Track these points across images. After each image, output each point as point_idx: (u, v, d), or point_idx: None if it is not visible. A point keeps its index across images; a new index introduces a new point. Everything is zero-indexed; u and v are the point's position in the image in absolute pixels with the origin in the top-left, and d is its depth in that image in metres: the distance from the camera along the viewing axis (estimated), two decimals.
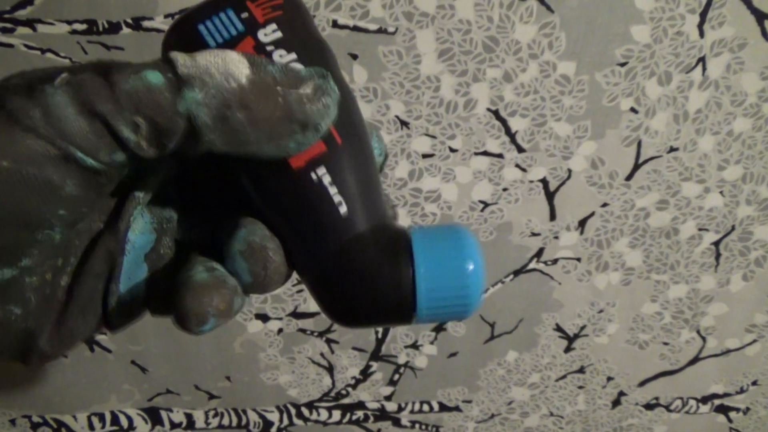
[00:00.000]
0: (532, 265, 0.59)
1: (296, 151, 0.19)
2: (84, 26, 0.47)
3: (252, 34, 0.20)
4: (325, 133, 0.19)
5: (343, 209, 0.20)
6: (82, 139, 0.16)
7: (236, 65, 0.17)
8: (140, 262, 0.21)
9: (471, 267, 0.20)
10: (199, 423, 0.69)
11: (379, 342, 0.64)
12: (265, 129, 0.18)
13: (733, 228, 0.58)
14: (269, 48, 0.20)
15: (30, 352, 0.19)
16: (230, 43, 0.20)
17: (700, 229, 0.58)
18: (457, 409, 0.69)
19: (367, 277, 0.20)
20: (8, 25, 0.47)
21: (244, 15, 0.20)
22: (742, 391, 0.69)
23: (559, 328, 0.63)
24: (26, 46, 0.48)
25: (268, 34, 0.20)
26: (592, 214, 0.56)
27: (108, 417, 0.68)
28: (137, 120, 0.17)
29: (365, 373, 0.66)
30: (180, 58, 0.18)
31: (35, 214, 0.17)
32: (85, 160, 0.17)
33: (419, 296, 0.19)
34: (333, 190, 0.20)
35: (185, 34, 0.21)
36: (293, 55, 0.20)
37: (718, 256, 0.59)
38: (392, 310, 0.20)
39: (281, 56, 0.20)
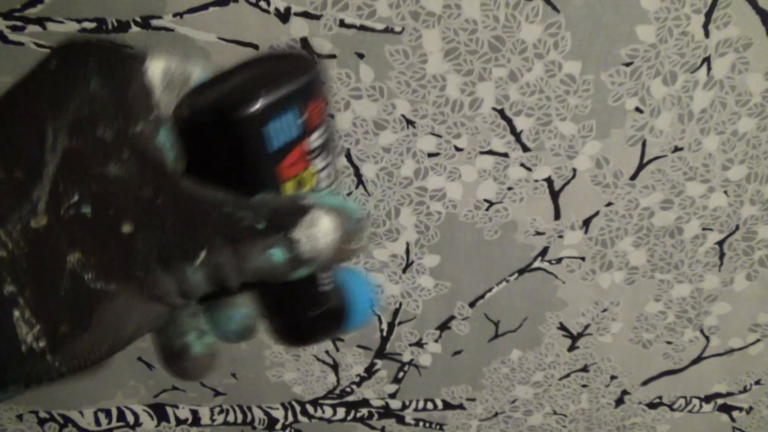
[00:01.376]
0: (536, 264, 0.60)
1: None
2: (93, 25, 0.47)
3: (304, 140, 0.21)
4: None
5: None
6: (198, 294, 0.19)
7: (332, 236, 0.19)
8: None
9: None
10: (205, 419, 0.70)
11: (384, 340, 0.64)
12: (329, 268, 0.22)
13: (737, 227, 0.58)
14: (313, 155, 0.21)
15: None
16: (286, 149, 0.20)
17: (704, 229, 0.58)
18: (461, 407, 0.69)
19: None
20: (19, 24, 0.47)
21: (302, 119, 0.20)
22: (745, 390, 0.69)
23: (563, 327, 0.64)
24: (36, 44, 0.48)
25: (315, 140, 0.21)
26: (597, 213, 0.57)
27: (114, 413, 0.69)
28: (248, 281, 0.19)
29: (370, 370, 0.66)
30: (304, 242, 0.19)
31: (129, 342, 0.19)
32: (179, 304, 0.19)
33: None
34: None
35: (248, 133, 0.20)
36: (328, 160, 0.22)
37: (722, 255, 0.59)
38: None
39: (320, 162, 0.21)
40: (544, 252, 0.59)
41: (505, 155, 0.53)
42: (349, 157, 0.53)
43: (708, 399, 0.70)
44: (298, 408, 0.69)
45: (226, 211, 0.18)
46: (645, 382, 0.68)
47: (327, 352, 0.64)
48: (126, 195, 0.18)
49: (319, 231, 0.19)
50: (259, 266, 0.18)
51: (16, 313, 0.16)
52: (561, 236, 0.58)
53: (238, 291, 0.20)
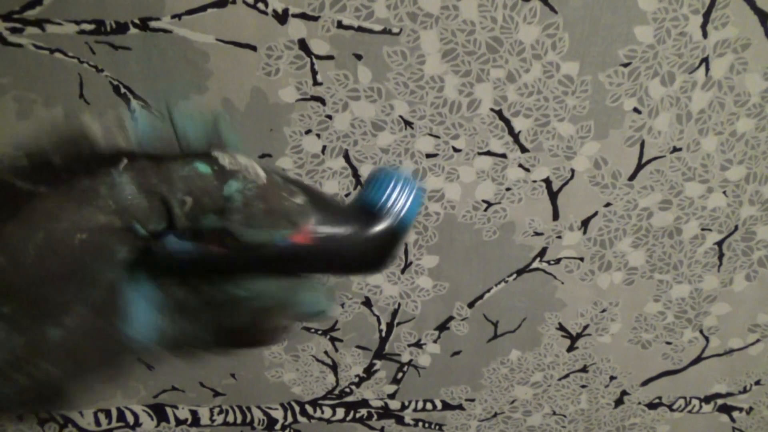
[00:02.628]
0: (535, 265, 0.60)
1: (279, 242, 0.24)
2: (92, 26, 0.48)
3: None
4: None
5: None
6: (140, 212, 0.20)
7: (259, 169, 0.23)
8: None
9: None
10: (204, 420, 0.70)
11: (383, 340, 0.64)
12: (272, 220, 0.23)
13: (736, 228, 0.58)
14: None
15: (54, 405, 0.23)
16: None
17: (703, 229, 0.58)
18: (460, 407, 0.69)
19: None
20: (18, 25, 0.47)
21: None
22: (745, 390, 0.69)
23: (562, 328, 0.64)
24: (35, 45, 0.48)
25: None
26: (595, 213, 0.57)
27: (114, 413, 0.69)
28: (186, 198, 0.21)
29: (369, 371, 0.66)
30: (222, 156, 0.22)
31: (90, 275, 0.20)
32: (140, 230, 0.21)
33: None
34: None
35: None
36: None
37: (721, 256, 0.59)
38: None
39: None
40: (542, 252, 0.59)
41: (504, 156, 0.53)
42: (347, 158, 0.53)
43: (708, 399, 0.70)
44: (297, 408, 0.69)
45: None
46: (644, 383, 0.68)
47: (326, 352, 0.65)
48: (75, 158, 0.21)
49: (239, 156, 0.23)
50: (186, 175, 0.21)
51: None
52: (560, 237, 0.58)
53: (190, 228, 0.22)
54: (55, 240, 0.19)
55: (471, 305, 0.62)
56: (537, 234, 0.58)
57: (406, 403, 0.69)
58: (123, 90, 0.50)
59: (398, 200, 0.26)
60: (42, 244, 0.19)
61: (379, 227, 0.25)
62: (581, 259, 0.59)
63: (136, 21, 0.47)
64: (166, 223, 0.21)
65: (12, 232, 0.19)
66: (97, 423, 0.69)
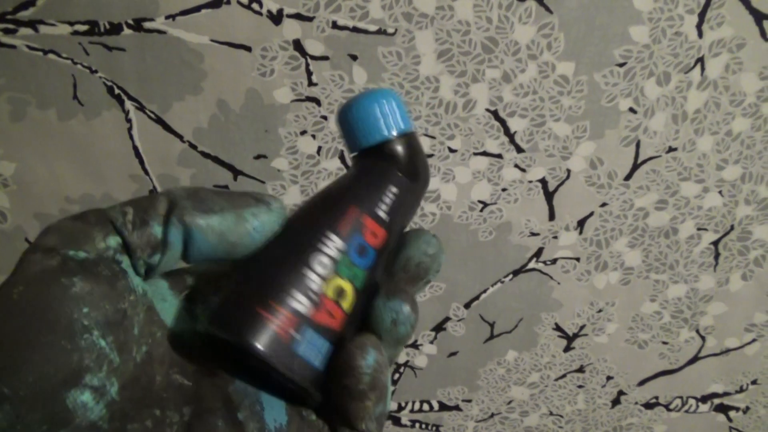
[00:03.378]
0: (531, 265, 0.59)
1: (253, 227, 0.22)
2: (86, 27, 0.47)
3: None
4: None
5: None
6: (76, 237, 0.19)
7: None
8: None
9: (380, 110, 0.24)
10: None
11: None
12: (227, 198, 0.22)
13: (732, 227, 0.58)
14: None
15: None
16: None
17: (699, 229, 0.58)
18: (457, 408, 0.69)
19: None
20: (10, 26, 0.47)
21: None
22: (741, 390, 0.69)
23: (558, 328, 0.64)
24: (28, 47, 0.48)
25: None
26: (591, 214, 0.57)
27: None
28: (126, 209, 0.20)
29: None
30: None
31: (64, 319, 0.19)
32: (77, 254, 0.19)
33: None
34: None
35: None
36: None
37: (717, 255, 0.59)
38: None
39: None
40: (538, 253, 0.59)
41: (499, 156, 0.53)
42: (343, 159, 0.53)
43: (704, 399, 0.70)
44: None
45: None
46: (641, 383, 0.68)
47: None
48: None
49: None
50: (127, 200, 0.21)
51: None
52: (556, 237, 0.58)
53: (146, 244, 0.21)
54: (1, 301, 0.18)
55: (467, 306, 0.62)
56: (533, 234, 0.58)
57: (403, 404, 0.69)
58: (117, 91, 0.50)
59: (390, 123, 0.24)
60: None
61: (396, 157, 0.24)
62: (577, 260, 0.59)
63: (130, 22, 0.47)
64: (116, 236, 0.20)
65: None
66: None
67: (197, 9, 0.47)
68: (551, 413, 0.70)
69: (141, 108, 0.51)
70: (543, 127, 0.52)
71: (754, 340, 0.65)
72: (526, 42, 0.48)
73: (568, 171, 0.54)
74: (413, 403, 0.69)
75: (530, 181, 0.55)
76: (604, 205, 0.56)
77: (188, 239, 0.21)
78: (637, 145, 0.53)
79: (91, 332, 0.19)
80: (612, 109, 0.51)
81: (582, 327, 0.64)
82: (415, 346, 0.64)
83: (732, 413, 0.71)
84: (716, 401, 0.70)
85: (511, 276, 0.60)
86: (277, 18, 0.47)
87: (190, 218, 0.21)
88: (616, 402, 0.70)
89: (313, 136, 0.52)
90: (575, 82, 0.50)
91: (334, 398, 0.21)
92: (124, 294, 0.20)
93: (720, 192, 0.56)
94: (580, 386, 0.68)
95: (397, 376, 0.66)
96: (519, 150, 0.53)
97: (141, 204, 0.20)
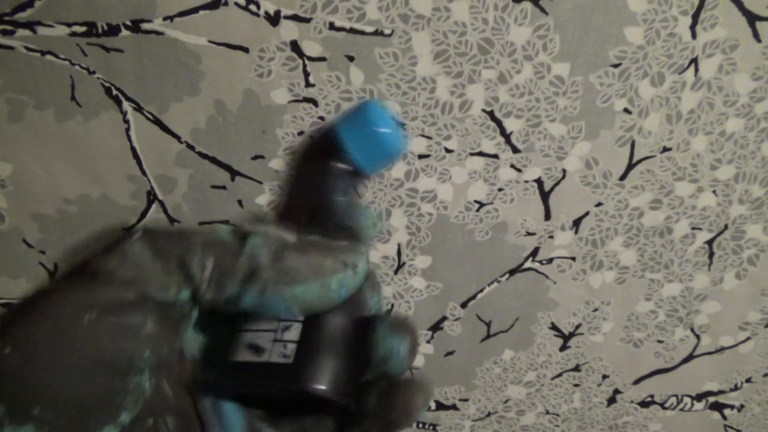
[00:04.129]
0: (527, 265, 0.60)
1: (338, 294, 0.21)
2: (83, 28, 0.47)
3: None
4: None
5: None
6: (156, 278, 0.19)
7: (287, 234, 0.21)
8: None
9: (382, 130, 0.25)
10: None
11: None
12: (314, 267, 0.20)
13: (726, 227, 0.58)
14: None
15: None
16: None
17: (693, 228, 0.58)
18: (453, 407, 0.70)
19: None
20: (8, 28, 0.47)
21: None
22: (736, 388, 0.70)
23: (554, 327, 0.64)
24: (26, 48, 0.48)
25: None
26: (587, 213, 0.57)
27: None
28: (206, 261, 0.19)
29: None
30: (243, 223, 0.21)
31: (123, 359, 0.18)
32: (159, 296, 0.19)
33: (360, 162, 0.25)
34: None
35: None
36: None
37: (711, 254, 0.60)
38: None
39: None
40: (534, 252, 0.59)
41: (495, 157, 0.54)
42: None
43: (699, 397, 0.70)
44: None
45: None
46: (636, 381, 0.68)
47: None
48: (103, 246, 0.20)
49: (270, 228, 0.21)
50: (204, 239, 0.19)
51: None
52: (551, 237, 0.58)
53: (218, 300, 0.20)
54: (63, 327, 0.17)
55: (464, 305, 0.62)
56: (529, 234, 0.58)
57: None
58: (115, 92, 0.50)
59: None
60: (50, 334, 0.17)
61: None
62: (573, 259, 0.60)
63: (128, 23, 0.47)
64: (188, 291, 0.19)
65: (21, 329, 0.17)
66: None
67: (195, 10, 0.47)
68: (547, 412, 0.71)
69: (139, 109, 0.51)
70: (539, 128, 0.52)
71: (748, 339, 0.66)
72: (522, 43, 0.48)
73: (564, 171, 0.55)
74: None
75: (526, 181, 0.55)
76: (599, 204, 0.56)
77: (263, 306, 0.20)
78: (632, 146, 0.54)
79: (142, 374, 0.19)
80: (607, 109, 0.52)
81: (578, 326, 0.64)
82: None
83: (727, 411, 0.72)
84: (711, 399, 0.70)
85: (507, 275, 0.60)
86: (274, 19, 0.47)
87: (272, 292, 0.20)
88: (611, 401, 0.70)
89: (311, 137, 0.52)
90: (570, 83, 0.50)
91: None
92: (181, 336, 0.20)
93: (714, 191, 0.56)
94: (576, 385, 0.69)
95: None
96: (515, 150, 0.53)
97: (222, 260, 0.19)
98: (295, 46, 0.48)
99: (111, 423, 0.18)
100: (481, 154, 0.53)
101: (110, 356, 0.18)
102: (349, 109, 0.26)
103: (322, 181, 0.25)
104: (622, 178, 0.55)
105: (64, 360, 0.17)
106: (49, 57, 0.49)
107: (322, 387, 0.21)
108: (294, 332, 0.21)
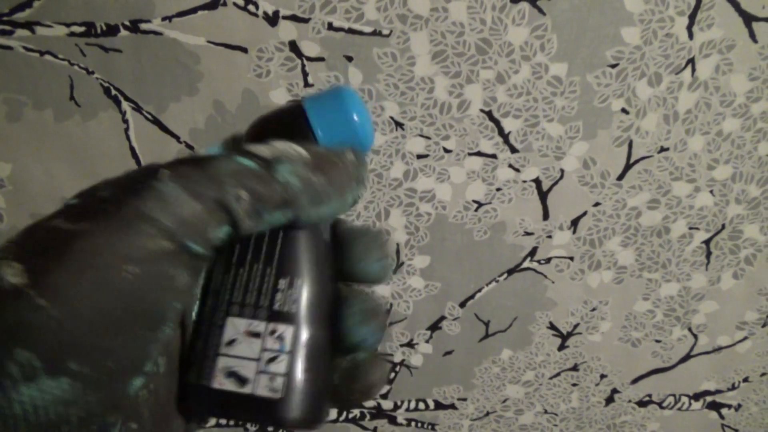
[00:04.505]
0: (525, 264, 0.60)
1: (349, 205, 0.23)
2: (82, 29, 0.48)
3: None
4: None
5: None
6: (196, 221, 0.18)
7: (298, 147, 0.21)
8: None
9: (357, 119, 0.25)
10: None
11: None
12: (337, 186, 0.21)
13: (723, 227, 0.59)
14: None
15: None
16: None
17: (690, 228, 0.59)
18: (452, 406, 0.70)
19: None
20: (7, 28, 0.47)
21: None
22: (733, 387, 0.70)
23: (552, 327, 0.64)
24: (25, 48, 0.48)
25: None
26: (585, 213, 0.57)
27: None
28: (240, 193, 0.19)
29: None
30: (259, 148, 0.21)
31: (159, 310, 0.18)
32: (195, 248, 0.19)
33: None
34: None
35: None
36: None
37: (708, 254, 0.60)
38: None
39: None
40: (533, 252, 0.59)
41: (494, 156, 0.54)
42: None
43: (697, 397, 0.70)
44: None
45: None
46: (634, 381, 0.69)
47: None
48: (107, 182, 0.20)
49: (272, 142, 0.21)
50: (232, 170, 0.19)
51: (2, 261, 0.17)
52: (550, 236, 0.58)
53: (255, 228, 0.20)
54: (104, 278, 0.17)
55: (462, 305, 0.62)
56: (527, 234, 0.58)
57: (399, 403, 0.69)
58: (114, 92, 0.50)
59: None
60: (91, 286, 0.17)
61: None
62: (571, 259, 0.60)
63: (127, 23, 0.47)
64: (228, 227, 0.19)
65: (59, 281, 0.16)
66: None
67: (193, 10, 0.47)
68: (546, 411, 0.71)
69: (138, 109, 0.51)
70: (537, 128, 0.52)
71: (745, 338, 0.66)
72: (520, 43, 0.49)
73: (562, 171, 0.55)
74: (409, 401, 0.69)
75: (524, 181, 0.55)
76: (597, 204, 0.57)
77: (291, 222, 0.21)
78: (630, 145, 0.54)
79: (170, 324, 0.19)
80: (604, 109, 0.52)
81: (576, 326, 0.64)
82: (410, 345, 0.65)
83: (724, 410, 0.72)
84: (708, 399, 0.71)
85: (505, 275, 0.61)
86: (272, 19, 0.48)
87: (304, 215, 0.21)
88: (609, 400, 0.70)
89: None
90: (568, 83, 0.50)
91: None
92: (202, 278, 0.21)
93: (711, 191, 0.57)
94: (574, 384, 0.69)
95: (393, 375, 0.67)
96: (513, 150, 0.54)
97: (256, 191, 0.19)
98: (293, 46, 0.49)
99: (139, 373, 0.18)
100: (479, 154, 0.54)
101: (147, 308, 0.18)
102: (322, 91, 0.25)
103: None
104: (620, 178, 0.55)
105: (104, 313, 0.17)
106: (47, 57, 0.49)
107: (317, 422, 0.21)
108: (281, 365, 0.21)
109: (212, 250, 0.20)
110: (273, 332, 0.21)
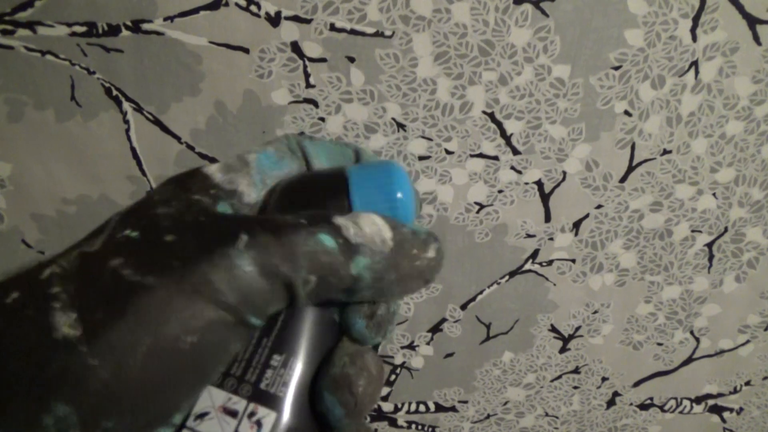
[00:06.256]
0: (527, 267, 0.60)
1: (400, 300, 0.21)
2: (84, 28, 0.47)
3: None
4: None
5: None
6: (260, 299, 0.18)
7: (385, 230, 0.20)
8: None
9: (400, 196, 0.23)
10: None
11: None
12: (405, 285, 0.21)
13: (725, 230, 0.58)
14: None
15: None
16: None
17: (693, 231, 0.58)
18: (453, 409, 0.69)
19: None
20: (8, 27, 0.47)
21: None
22: (735, 391, 0.70)
23: (554, 329, 0.64)
24: (26, 48, 0.48)
25: None
26: (587, 215, 0.57)
27: None
28: (310, 278, 0.18)
29: None
30: (347, 225, 0.19)
31: (208, 375, 0.18)
32: (254, 321, 0.18)
33: None
34: None
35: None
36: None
37: (711, 257, 0.60)
38: None
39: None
40: (534, 254, 0.59)
41: (496, 158, 0.54)
42: None
43: (699, 400, 0.70)
44: None
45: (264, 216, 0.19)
46: (636, 384, 0.68)
47: None
48: (172, 220, 0.18)
49: (361, 218, 0.20)
50: (310, 251, 0.18)
51: (56, 305, 0.16)
52: (551, 239, 0.58)
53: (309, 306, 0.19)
54: (163, 347, 0.16)
55: (464, 307, 0.62)
56: (529, 236, 0.58)
57: (399, 406, 0.69)
58: (115, 92, 0.50)
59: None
60: (148, 352, 0.16)
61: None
62: (573, 261, 0.60)
63: (128, 23, 0.47)
64: (285, 304, 0.19)
65: (116, 338, 0.15)
66: None
67: (195, 11, 0.47)
68: (547, 414, 0.71)
69: (139, 109, 0.51)
70: (539, 130, 0.52)
71: (747, 342, 0.66)
72: (523, 45, 0.48)
73: (564, 173, 0.55)
74: (409, 404, 0.69)
75: (526, 183, 0.55)
76: (599, 206, 0.56)
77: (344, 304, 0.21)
78: (632, 148, 0.54)
79: (210, 383, 0.19)
80: (607, 111, 0.52)
81: (577, 328, 0.64)
82: (411, 347, 0.65)
83: (726, 414, 0.72)
84: (710, 402, 0.70)
85: (507, 277, 0.60)
86: (275, 20, 0.47)
87: (359, 300, 0.21)
88: (611, 403, 0.70)
89: (310, 138, 0.52)
90: (571, 85, 0.50)
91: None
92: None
93: (714, 194, 0.56)
94: (575, 387, 0.69)
95: (393, 377, 0.67)
96: (515, 152, 0.53)
97: (327, 278, 0.19)
98: (295, 47, 0.48)
99: (167, 425, 0.18)
100: (481, 155, 0.53)
101: (196, 374, 0.17)
102: (369, 163, 0.24)
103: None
104: (623, 180, 0.55)
105: (155, 380, 0.16)
106: (49, 57, 0.49)
107: None
108: None
109: (266, 319, 0.19)
110: (252, 415, 0.18)
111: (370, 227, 0.20)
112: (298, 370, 0.20)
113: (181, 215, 0.18)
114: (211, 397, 0.18)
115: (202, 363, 0.17)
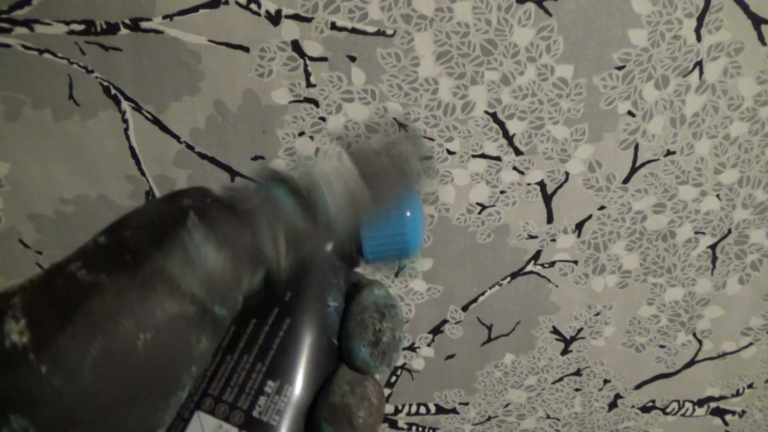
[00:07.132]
0: (529, 268, 0.59)
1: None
2: (82, 27, 0.47)
3: None
4: None
5: None
6: (222, 280, 0.16)
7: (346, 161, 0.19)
8: None
9: (408, 214, 0.22)
10: None
11: None
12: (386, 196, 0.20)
13: (729, 231, 0.58)
14: None
15: None
16: None
17: (696, 233, 0.58)
18: (453, 411, 0.69)
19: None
20: (6, 25, 0.47)
21: None
22: (737, 394, 0.69)
23: (555, 331, 0.63)
24: (24, 46, 0.48)
25: None
26: (589, 217, 0.56)
27: None
28: (278, 236, 0.17)
29: None
30: (291, 174, 0.18)
31: (172, 378, 0.16)
32: (220, 311, 0.16)
33: (364, 243, 0.22)
34: None
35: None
36: None
37: (714, 259, 0.59)
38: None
39: None
40: (536, 256, 0.59)
41: (498, 159, 0.53)
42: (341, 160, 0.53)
43: (701, 403, 0.70)
44: None
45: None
46: (638, 386, 0.68)
47: None
48: (138, 217, 0.17)
49: (310, 167, 0.20)
50: (269, 208, 0.17)
51: (9, 312, 0.15)
52: (554, 240, 0.58)
53: (290, 270, 0.18)
54: (117, 348, 0.15)
55: (465, 308, 0.62)
56: (531, 237, 0.57)
57: (400, 407, 0.69)
58: (113, 91, 0.50)
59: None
60: (100, 355, 0.15)
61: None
62: (575, 262, 0.59)
63: (127, 21, 0.47)
64: (260, 275, 0.17)
65: (63, 346, 0.14)
66: None
67: (195, 9, 0.46)
68: (548, 416, 0.70)
69: (137, 108, 0.51)
70: (541, 130, 0.52)
71: (750, 344, 0.65)
72: (525, 44, 0.48)
73: (567, 174, 0.54)
74: (410, 406, 0.68)
75: (529, 184, 0.55)
76: (602, 208, 0.56)
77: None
78: (636, 149, 0.53)
79: (185, 389, 0.17)
80: (610, 112, 0.51)
81: (579, 330, 0.64)
82: (412, 348, 0.64)
83: (728, 417, 0.71)
84: (712, 405, 0.70)
85: (509, 279, 0.60)
86: (275, 19, 0.47)
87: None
88: (612, 405, 0.70)
89: (311, 138, 0.52)
90: (574, 85, 0.50)
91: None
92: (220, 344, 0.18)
93: (717, 196, 0.56)
94: (577, 389, 0.68)
95: (394, 378, 0.66)
96: (517, 152, 0.53)
97: (293, 232, 0.18)
98: (296, 45, 0.48)
99: None
100: (483, 156, 0.53)
101: (161, 377, 0.16)
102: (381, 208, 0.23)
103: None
104: (626, 181, 0.55)
105: (110, 384, 0.15)
106: (47, 55, 0.48)
107: None
108: None
109: (240, 306, 0.17)
110: None
111: (315, 169, 0.19)
112: (293, 397, 0.19)
113: (147, 212, 0.17)
114: (201, 424, 0.18)
115: (164, 365, 0.16)
